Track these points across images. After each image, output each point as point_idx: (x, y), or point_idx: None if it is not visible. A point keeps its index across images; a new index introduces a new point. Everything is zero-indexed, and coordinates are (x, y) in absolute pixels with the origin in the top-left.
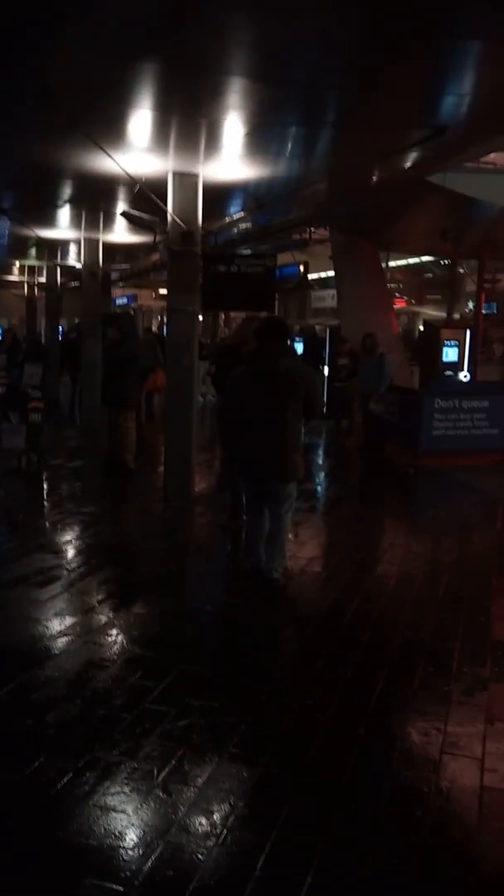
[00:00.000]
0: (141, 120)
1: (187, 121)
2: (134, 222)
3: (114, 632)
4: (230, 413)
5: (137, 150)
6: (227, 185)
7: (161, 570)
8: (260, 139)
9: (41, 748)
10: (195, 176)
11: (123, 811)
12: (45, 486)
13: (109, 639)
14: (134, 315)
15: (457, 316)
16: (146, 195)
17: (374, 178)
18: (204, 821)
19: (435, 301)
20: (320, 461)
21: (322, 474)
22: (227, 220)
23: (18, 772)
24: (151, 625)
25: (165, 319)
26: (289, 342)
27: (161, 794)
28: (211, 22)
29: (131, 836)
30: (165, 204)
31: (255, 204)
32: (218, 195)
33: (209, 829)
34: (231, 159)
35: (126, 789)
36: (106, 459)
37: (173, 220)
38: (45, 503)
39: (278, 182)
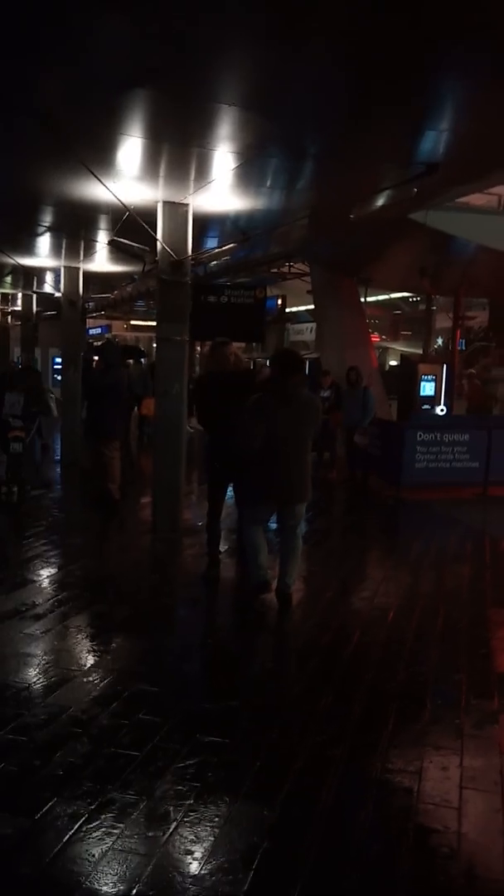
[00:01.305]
0: (132, 147)
1: (178, 149)
2: (122, 251)
3: (113, 668)
4: (253, 439)
5: (128, 178)
6: (215, 215)
7: (155, 603)
8: (250, 170)
9: (51, 790)
10: (185, 206)
11: (141, 853)
12: (29, 518)
13: (110, 675)
14: (115, 345)
15: (433, 351)
16: (132, 224)
17: (361, 214)
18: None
19: (405, 337)
20: None
21: (308, 506)
22: (215, 251)
23: (29, 816)
24: (151, 660)
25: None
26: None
27: (178, 837)
28: (205, 54)
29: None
30: (155, 233)
31: (241, 236)
32: (205, 226)
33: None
34: (221, 190)
35: (142, 830)
36: (90, 491)
37: (163, 249)
38: (30, 535)
39: (266, 215)
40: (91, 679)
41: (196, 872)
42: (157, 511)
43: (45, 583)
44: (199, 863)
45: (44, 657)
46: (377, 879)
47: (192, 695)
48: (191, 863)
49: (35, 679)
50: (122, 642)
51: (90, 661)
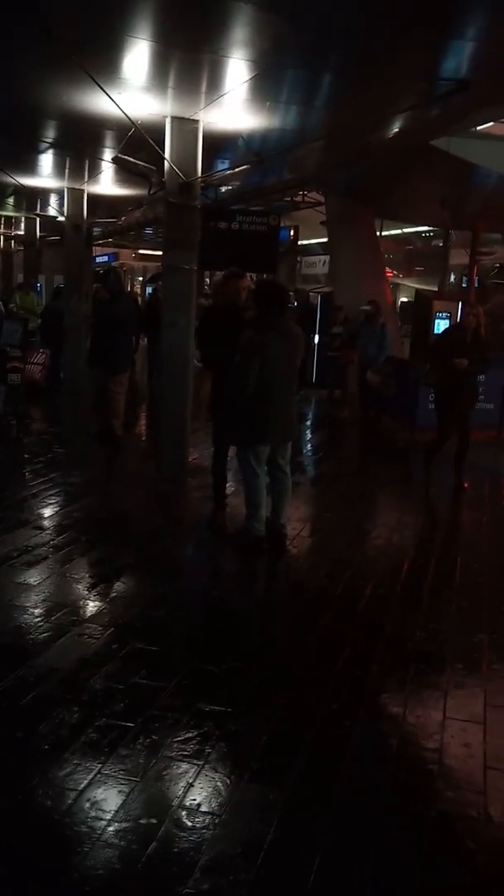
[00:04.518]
0: (140, 53)
1: (189, 55)
2: (127, 170)
3: (111, 622)
4: (249, 378)
5: (134, 89)
6: (227, 134)
7: (159, 549)
8: (265, 83)
9: (35, 766)
10: (195, 122)
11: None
12: (28, 453)
13: (107, 631)
14: (121, 273)
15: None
16: (139, 142)
17: (382, 137)
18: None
19: (418, 273)
20: (312, 433)
21: (318, 446)
22: (226, 172)
23: (11, 795)
24: (152, 613)
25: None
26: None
27: (179, 817)
28: None
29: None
30: (163, 151)
31: (254, 158)
32: (216, 146)
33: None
34: (233, 105)
35: (136, 815)
36: (93, 426)
37: (171, 169)
38: (27, 473)
39: (281, 135)
40: (85, 636)
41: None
42: (163, 449)
43: (42, 525)
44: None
45: (35, 609)
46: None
47: (195, 655)
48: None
49: (24, 635)
50: (121, 593)
51: (85, 613)
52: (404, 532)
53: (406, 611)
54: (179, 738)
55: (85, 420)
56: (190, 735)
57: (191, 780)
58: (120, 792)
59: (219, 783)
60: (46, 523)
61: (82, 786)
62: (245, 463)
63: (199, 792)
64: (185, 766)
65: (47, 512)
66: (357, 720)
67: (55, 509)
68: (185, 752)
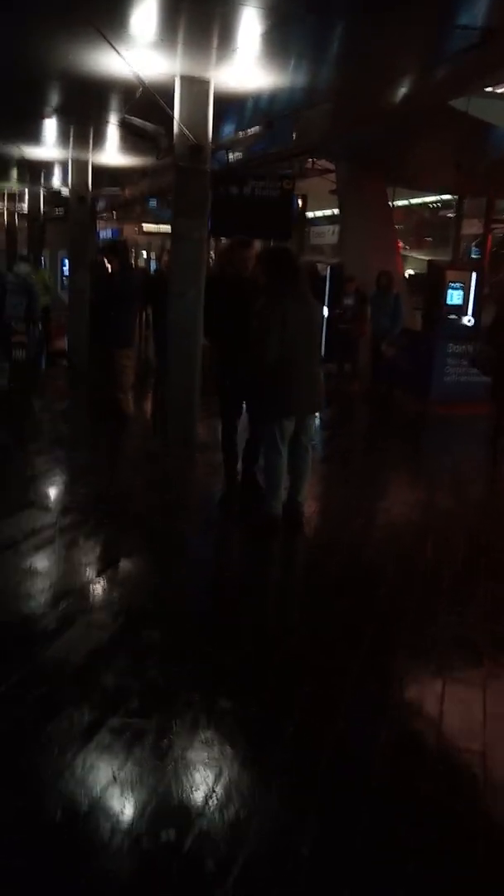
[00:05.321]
0: (148, 5)
1: (200, 6)
2: (134, 133)
3: (121, 610)
4: (269, 345)
5: (143, 46)
6: (238, 96)
7: (169, 530)
8: (278, 38)
9: (47, 769)
10: (206, 82)
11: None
12: (32, 429)
13: (117, 620)
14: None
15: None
16: (147, 105)
17: (399, 95)
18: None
19: (426, 244)
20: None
21: (329, 421)
22: (239, 135)
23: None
24: (164, 599)
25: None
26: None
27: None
28: None
29: None
30: (172, 113)
31: (265, 122)
32: (227, 109)
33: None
34: (245, 63)
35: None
36: (100, 401)
37: (181, 130)
38: (33, 450)
39: (292, 95)
40: (95, 625)
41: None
42: (170, 424)
43: (47, 505)
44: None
45: (42, 597)
46: None
47: (210, 644)
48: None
49: (31, 626)
50: (131, 578)
51: (94, 601)
52: (427, 510)
53: (431, 595)
54: (199, 738)
55: (91, 395)
56: (209, 735)
57: (212, 785)
58: (136, 799)
59: (243, 788)
60: (51, 504)
61: (96, 792)
62: (269, 439)
63: (221, 797)
64: (205, 769)
65: (52, 492)
66: (387, 712)
67: (60, 488)
68: (206, 753)
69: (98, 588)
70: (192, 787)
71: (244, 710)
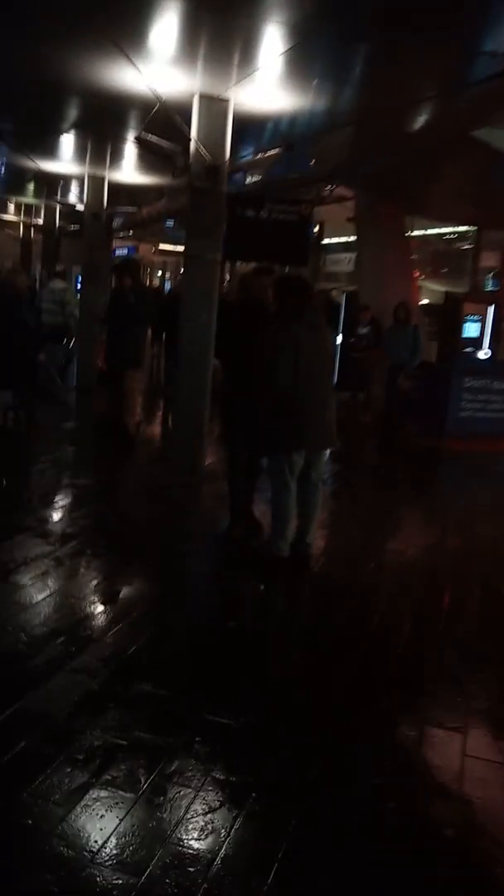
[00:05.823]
0: (169, 17)
1: (221, 19)
2: (150, 151)
3: (112, 655)
4: (279, 372)
5: (162, 62)
6: (258, 116)
7: (170, 567)
8: (300, 57)
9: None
10: (225, 101)
11: None
12: (35, 450)
13: (107, 667)
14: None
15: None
16: (164, 123)
17: (420, 122)
18: None
19: (441, 275)
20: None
21: (340, 453)
22: (257, 156)
23: None
24: (160, 646)
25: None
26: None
27: None
28: None
29: None
30: (189, 131)
31: (284, 143)
32: (246, 127)
33: None
34: (266, 82)
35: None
36: (105, 423)
37: (197, 150)
38: (34, 472)
39: (312, 119)
40: (83, 672)
41: None
42: (176, 452)
43: (45, 532)
44: None
45: (29, 635)
46: None
47: (208, 701)
48: None
49: (13, 669)
50: (126, 619)
51: (84, 643)
52: (443, 554)
53: (448, 644)
54: (193, 817)
55: (96, 417)
56: (205, 811)
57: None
58: None
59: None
60: (49, 531)
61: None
62: (277, 473)
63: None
64: (203, 860)
65: (51, 518)
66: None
67: (59, 515)
68: (202, 836)
69: (89, 629)
70: (184, 876)
71: (239, 802)
